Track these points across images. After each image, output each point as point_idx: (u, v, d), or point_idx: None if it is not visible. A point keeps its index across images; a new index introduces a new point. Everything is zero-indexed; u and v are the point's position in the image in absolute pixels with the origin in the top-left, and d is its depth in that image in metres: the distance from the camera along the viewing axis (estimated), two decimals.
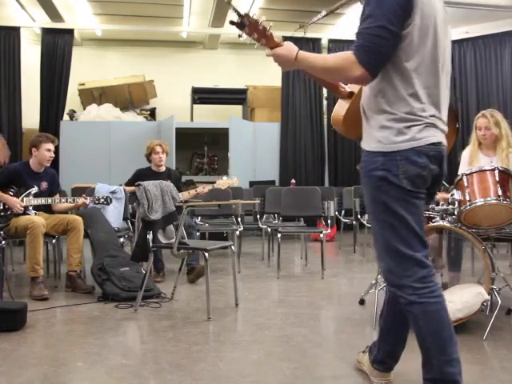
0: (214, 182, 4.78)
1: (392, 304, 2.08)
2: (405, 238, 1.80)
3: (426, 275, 1.81)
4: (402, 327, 2.12)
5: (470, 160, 3.62)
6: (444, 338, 1.80)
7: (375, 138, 1.81)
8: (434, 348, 1.81)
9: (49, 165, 4.26)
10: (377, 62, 1.69)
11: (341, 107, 2.05)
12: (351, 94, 2.02)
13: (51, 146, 4.18)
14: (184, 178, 5.48)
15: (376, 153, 1.80)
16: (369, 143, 1.84)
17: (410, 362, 2.57)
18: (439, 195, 3.62)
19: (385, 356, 2.20)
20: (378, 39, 1.67)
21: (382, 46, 1.68)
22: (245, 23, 1.74)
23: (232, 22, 1.75)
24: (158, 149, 4.85)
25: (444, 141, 1.86)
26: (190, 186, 5.29)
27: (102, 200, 4.31)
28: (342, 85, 2.05)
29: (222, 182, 4.71)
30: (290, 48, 1.81)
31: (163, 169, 4.92)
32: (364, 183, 1.87)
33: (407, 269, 1.80)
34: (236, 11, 1.73)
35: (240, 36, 1.80)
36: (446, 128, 1.88)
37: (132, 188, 4.57)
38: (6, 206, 3.93)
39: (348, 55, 1.69)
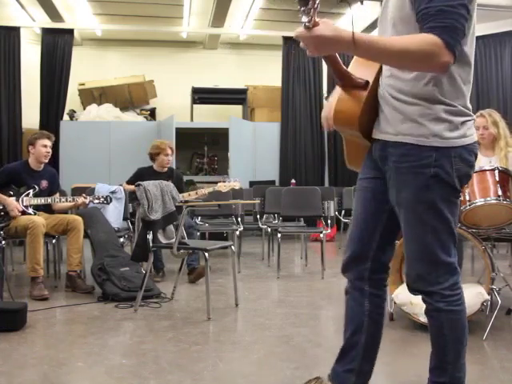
0: (216, 184, 4.78)
1: (376, 314, 1.87)
2: (444, 242, 1.67)
3: (455, 282, 1.71)
4: (379, 340, 1.93)
5: None
6: (463, 345, 1.79)
7: (429, 130, 1.59)
8: (452, 354, 1.77)
9: (46, 161, 4.23)
10: (461, 45, 1.49)
11: (351, 100, 1.68)
12: (367, 83, 1.69)
13: (47, 142, 4.17)
14: (184, 178, 5.47)
15: (428, 148, 1.59)
16: (413, 135, 1.60)
17: (410, 361, 2.58)
18: None
19: (366, 380, 1.91)
20: (463, 20, 1.45)
21: (466, 28, 1.48)
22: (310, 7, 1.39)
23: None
24: (169, 151, 4.80)
25: None
26: (191, 187, 5.29)
27: (102, 199, 4.31)
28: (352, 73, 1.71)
29: (224, 185, 4.70)
30: (331, 26, 1.45)
31: (165, 169, 4.90)
32: (404, 181, 1.64)
33: (440, 275, 1.68)
34: None
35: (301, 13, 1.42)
36: None
37: (131, 187, 4.56)
38: (4, 212, 3.92)
39: (432, 39, 1.42)
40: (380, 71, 1.70)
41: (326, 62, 1.62)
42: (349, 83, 1.67)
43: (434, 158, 1.60)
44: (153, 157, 4.85)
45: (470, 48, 1.59)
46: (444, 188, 1.63)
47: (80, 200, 4.17)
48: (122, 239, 4.68)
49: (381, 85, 1.69)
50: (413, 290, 1.76)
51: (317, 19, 1.42)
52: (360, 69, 1.70)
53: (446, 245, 1.68)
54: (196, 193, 4.68)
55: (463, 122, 1.62)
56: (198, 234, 4.97)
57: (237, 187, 4.84)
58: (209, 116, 9.48)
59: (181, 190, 4.52)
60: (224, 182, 4.78)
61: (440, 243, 1.67)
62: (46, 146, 4.17)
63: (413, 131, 1.60)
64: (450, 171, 1.61)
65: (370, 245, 1.79)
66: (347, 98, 1.68)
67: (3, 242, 3.86)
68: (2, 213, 3.91)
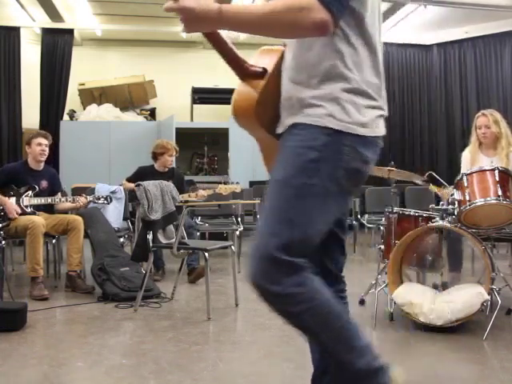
0: (216, 185, 4.77)
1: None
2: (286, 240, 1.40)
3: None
4: None
5: (472, 160, 3.62)
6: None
7: (325, 110, 1.37)
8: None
9: (43, 159, 4.22)
10: (343, 7, 1.27)
11: (249, 89, 1.46)
12: (265, 71, 1.48)
13: (42, 140, 4.17)
14: (185, 178, 5.48)
15: (319, 129, 1.37)
16: (308, 116, 1.39)
17: (411, 361, 2.58)
18: (443, 191, 3.62)
19: None
20: None
21: None
22: None
23: None
24: (174, 152, 4.81)
25: None
26: (191, 187, 5.29)
27: (102, 199, 4.31)
28: (250, 62, 1.51)
29: (224, 188, 4.70)
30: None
31: (167, 169, 4.89)
32: (284, 160, 1.42)
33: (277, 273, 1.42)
34: None
35: None
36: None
37: (131, 185, 4.55)
38: (3, 213, 3.92)
39: None
40: (282, 57, 1.52)
41: (210, 43, 1.42)
42: (244, 72, 1.48)
43: (322, 141, 1.36)
44: (156, 156, 4.82)
45: (371, 29, 1.38)
46: (322, 178, 1.37)
47: (80, 201, 4.17)
48: (122, 239, 4.68)
49: (282, 71, 1.50)
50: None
51: None
52: (262, 57, 1.53)
53: (290, 245, 1.36)
54: (196, 195, 4.67)
55: (367, 108, 1.39)
56: (198, 233, 4.97)
57: (237, 190, 4.82)
58: (209, 116, 9.48)
59: (182, 191, 4.52)
60: (224, 183, 4.77)
61: (283, 239, 1.37)
62: (40, 145, 4.16)
63: (309, 112, 1.39)
64: (334, 160, 1.37)
65: (317, 254, 1.52)
66: (244, 89, 1.48)
67: (3, 242, 3.86)
68: (2, 213, 3.91)
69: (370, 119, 1.40)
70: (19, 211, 3.94)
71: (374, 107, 1.41)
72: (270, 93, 1.47)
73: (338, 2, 1.25)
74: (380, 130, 1.45)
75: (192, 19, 1.29)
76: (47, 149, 4.23)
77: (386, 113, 1.48)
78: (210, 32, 1.38)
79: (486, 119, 3.57)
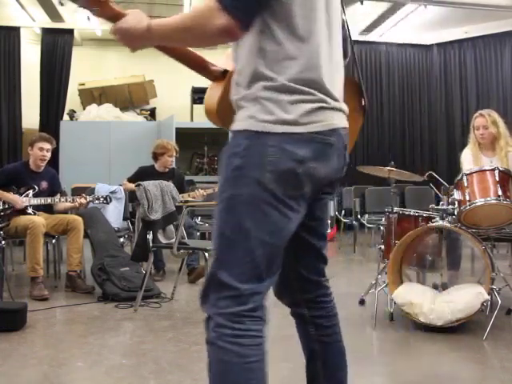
0: (216, 185, 4.77)
1: (325, 337, 1.63)
2: (232, 262, 1.30)
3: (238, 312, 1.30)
4: (340, 363, 1.66)
5: (474, 160, 3.61)
6: None
7: (248, 111, 1.30)
8: None
9: (43, 164, 4.20)
10: (247, 3, 1.21)
11: (213, 91, 1.52)
12: (225, 72, 1.51)
13: (44, 145, 4.14)
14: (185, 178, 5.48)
15: (242, 133, 1.29)
16: (237, 120, 1.34)
17: (411, 362, 2.58)
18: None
19: None
20: None
21: None
22: None
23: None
24: (174, 152, 4.80)
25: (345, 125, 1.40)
26: (191, 187, 5.29)
27: (101, 199, 4.31)
28: (213, 63, 1.56)
29: None
30: (137, 16, 1.31)
31: (167, 169, 4.89)
32: (220, 173, 1.36)
33: (220, 298, 1.30)
34: None
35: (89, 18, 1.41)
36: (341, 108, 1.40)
37: (131, 186, 4.55)
38: (7, 205, 3.93)
39: (206, 4, 1.22)
40: None
41: (164, 53, 1.48)
42: (211, 74, 1.55)
43: (244, 145, 1.27)
44: (156, 156, 4.82)
45: (303, 20, 1.27)
46: (250, 186, 1.26)
47: (80, 201, 4.17)
48: (122, 239, 4.68)
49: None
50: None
51: (119, 9, 1.32)
52: (227, 59, 1.53)
53: (225, 275, 1.27)
54: (194, 197, 4.66)
55: (294, 103, 1.27)
56: (198, 233, 4.97)
57: None
58: None
59: (182, 191, 4.52)
60: None
61: (225, 259, 1.29)
62: (42, 149, 4.13)
63: (238, 116, 1.34)
64: (259, 163, 1.25)
65: (289, 263, 1.47)
66: (210, 90, 1.54)
67: (3, 242, 3.86)
68: (2, 213, 3.92)
69: (299, 115, 1.26)
70: (24, 200, 3.95)
71: (304, 101, 1.27)
72: (229, 93, 1.43)
73: (243, 3, 1.20)
74: (318, 124, 1.29)
75: (128, 39, 1.32)
76: (48, 154, 4.20)
77: (331, 104, 1.32)
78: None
79: (484, 120, 3.56)
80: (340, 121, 1.36)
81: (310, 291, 1.56)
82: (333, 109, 1.34)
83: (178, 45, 1.45)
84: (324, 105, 1.31)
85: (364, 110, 1.64)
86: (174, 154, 4.80)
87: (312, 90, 1.29)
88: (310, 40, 1.29)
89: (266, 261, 1.29)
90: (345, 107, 1.40)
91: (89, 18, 1.46)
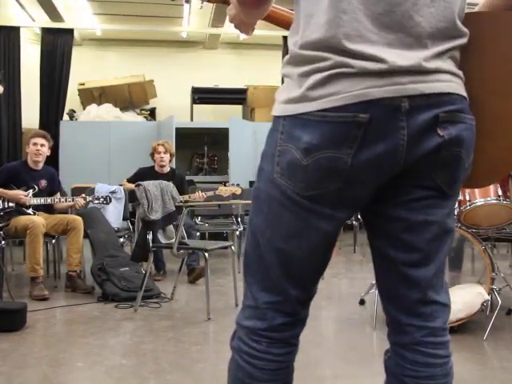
0: (216, 185, 4.78)
1: None
2: (249, 272, 1.20)
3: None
4: None
5: None
6: None
7: (278, 93, 1.11)
8: None
9: (38, 159, 4.19)
10: None
11: None
12: None
13: (37, 140, 4.14)
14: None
15: (273, 123, 1.10)
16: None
17: None
18: None
19: None
20: None
21: None
22: None
23: None
24: (161, 148, 4.83)
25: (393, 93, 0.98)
26: (191, 187, 5.29)
27: (101, 199, 4.31)
28: None
29: (225, 190, 4.70)
30: None
31: (166, 170, 4.90)
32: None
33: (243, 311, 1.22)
34: None
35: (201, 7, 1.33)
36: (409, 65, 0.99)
37: (131, 186, 4.56)
38: (8, 205, 3.92)
39: None
40: None
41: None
42: None
43: (268, 133, 1.11)
44: (152, 158, 4.94)
45: None
46: (265, 181, 1.09)
47: (79, 201, 4.17)
48: (121, 239, 4.68)
49: None
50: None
51: None
52: None
53: (248, 279, 1.17)
54: (194, 198, 4.67)
55: (303, 76, 1.01)
56: (198, 234, 4.97)
57: (238, 193, 4.82)
58: (209, 116, 9.47)
59: (182, 192, 4.52)
60: (224, 184, 4.78)
61: (247, 260, 1.18)
62: (36, 144, 4.13)
63: None
64: (271, 154, 1.07)
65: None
66: None
67: (3, 242, 3.86)
68: (2, 213, 3.91)
69: (307, 88, 1.00)
70: (25, 193, 3.94)
71: (313, 71, 1.00)
72: None
73: None
74: (331, 98, 0.98)
75: (240, 20, 1.24)
76: (43, 149, 4.19)
77: (358, 67, 0.97)
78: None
79: None
80: (383, 89, 0.98)
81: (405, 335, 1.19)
82: (364, 74, 0.98)
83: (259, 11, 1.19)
84: (344, 70, 0.98)
85: None
86: (162, 150, 4.83)
87: (326, 54, 0.99)
88: None
89: (281, 270, 1.10)
90: (418, 65, 0.99)
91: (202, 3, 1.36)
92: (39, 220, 3.85)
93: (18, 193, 3.93)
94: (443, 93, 1.01)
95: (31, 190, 4.07)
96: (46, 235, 4.05)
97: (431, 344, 1.11)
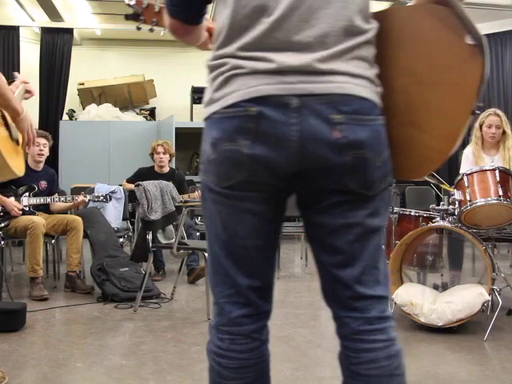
0: None
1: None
2: (210, 269, 1.25)
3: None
4: None
5: (475, 159, 3.59)
6: None
7: None
8: None
9: (41, 160, 4.19)
10: (174, 2, 1.20)
11: None
12: None
13: (40, 140, 4.12)
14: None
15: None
16: None
17: (410, 362, 2.57)
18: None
19: None
20: None
21: None
22: (138, 11, 1.41)
23: (127, 16, 1.42)
24: (160, 149, 4.83)
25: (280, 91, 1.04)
26: (190, 187, 5.28)
27: (101, 198, 4.30)
28: None
29: None
30: None
31: (166, 170, 4.90)
32: None
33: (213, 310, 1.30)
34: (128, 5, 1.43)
35: (139, 28, 1.46)
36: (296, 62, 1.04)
37: (131, 186, 4.56)
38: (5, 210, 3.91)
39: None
40: None
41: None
42: None
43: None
44: (152, 158, 4.95)
45: None
46: (201, 185, 1.20)
47: (79, 199, 4.16)
48: (121, 239, 4.67)
49: None
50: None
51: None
52: None
53: (209, 278, 1.25)
54: (194, 198, 4.66)
55: (211, 81, 1.13)
56: (198, 234, 4.96)
57: None
58: None
59: (182, 192, 4.52)
60: None
61: (208, 269, 1.26)
62: (38, 144, 4.12)
63: None
64: (201, 155, 1.18)
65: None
66: None
67: (3, 242, 3.85)
68: (2, 213, 3.90)
69: (213, 91, 1.12)
70: (20, 207, 3.93)
71: (216, 76, 1.11)
72: None
73: (170, 9, 1.20)
74: (228, 97, 1.08)
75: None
76: (46, 149, 4.20)
77: (249, 67, 1.06)
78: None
79: (498, 119, 3.53)
80: (272, 86, 1.04)
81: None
82: (254, 73, 1.06)
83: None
84: (238, 71, 1.07)
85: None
86: (161, 150, 4.83)
87: (225, 60, 1.09)
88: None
89: (229, 261, 1.17)
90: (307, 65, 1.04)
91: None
92: (39, 220, 3.84)
93: (12, 205, 3.88)
94: (336, 94, 1.05)
95: (30, 191, 4.05)
96: (46, 235, 4.03)
97: (368, 332, 1.15)
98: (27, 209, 4.01)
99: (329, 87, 1.05)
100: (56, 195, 4.29)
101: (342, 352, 1.20)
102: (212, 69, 1.13)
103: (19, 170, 2.09)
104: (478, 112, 1.11)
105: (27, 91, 2.27)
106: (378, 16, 1.16)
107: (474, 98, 1.09)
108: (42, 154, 4.18)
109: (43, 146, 4.17)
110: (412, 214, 3.41)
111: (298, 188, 1.14)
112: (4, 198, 3.92)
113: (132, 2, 1.42)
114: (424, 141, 1.16)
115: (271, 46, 1.05)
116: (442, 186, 3.71)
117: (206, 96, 1.14)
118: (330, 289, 1.23)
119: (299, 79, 1.04)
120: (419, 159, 1.19)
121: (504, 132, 3.54)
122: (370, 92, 1.09)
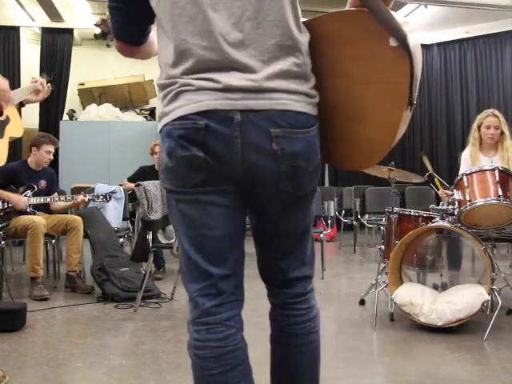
0: None
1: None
2: (183, 262, 1.34)
3: (194, 317, 1.36)
4: None
5: (472, 161, 3.59)
6: None
7: None
8: None
9: (46, 166, 4.25)
10: (118, 25, 1.39)
11: None
12: None
13: (52, 148, 4.17)
14: None
15: None
16: None
17: (411, 362, 2.57)
18: (441, 191, 3.61)
19: None
20: (112, 11, 1.39)
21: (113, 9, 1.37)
22: (105, 30, 1.60)
23: (96, 36, 1.64)
24: (157, 149, 4.87)
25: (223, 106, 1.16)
26: None
27: (101, 197, 4.30)
28: None
29: None
30: None
31: None
32: None
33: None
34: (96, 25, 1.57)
35: (109, 46, 1.63)
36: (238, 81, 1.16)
37: (131, 185, 4.58)
38: (8, 205, 3.92)
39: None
40: None
41: None
42: None
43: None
44: (153, 156, 5.02)
45: (161, 13, 1.26)
46: (166, 190, 1.33)
47: (79, 198, 4.17)
48: (121, 239, 4.68)
49: None
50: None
51: None
52: None
53: (182, 278, 1.36)
54: None
55: (162, 97, 1.27)
56: None
57: None
58: None
59: None
60: None
61: (182, 267, 1.34)
62: (49, 153, 4.16)
63: None
64: (161, 165, 1.30)
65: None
66: None
67: (3, 242, 3.85)
68: (2, 213, 3.91)
69: (164, 105, 1.25)
70: (26, 201, 3.94)
71: (167, 93, 1.24)
72: None
73: (114, 32, 1.40)
74: (178, 110, 1.20)
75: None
76: (52, 157, 4.25)
77: (197, 85, 1.18)
78: None
79: (497, 120, 3.53)
80: (217, 102, 1.16)
81: (277, 286, 1.46)
82: (202, 90, 1.17)
83: None
84: (187, 88, 1.19)
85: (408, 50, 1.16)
86: (158, 150, 4.86)
87: (175, 80, 1.23)
88: (169, 31, 1.25)
89: (199, 254, 1.25)
90: (241, 84, 1.16)
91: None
92: (40, 220, 3.85)
93: (17, 199, 3.90)
94: (274, 110, 1.17)
95: (30, 190, 4.06)
96: (46, 235, 4.04)
97: (293, 303, 1.41)
98: (28, 209, 4.01)
99: (268, 103, 1.16)
100: (56, 194, 4.30)
101: (273, 313, 1.44)
102: (163, 87, 1.26)
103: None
104: (414, 103, 1.19)
105: (37, 91, 2.26)
106: (308, 26, 1.26)
107: (407, 94, 1.17)
108: (49, 162, 4.22)
109: (52, 154, 4.20)
110: (412, 214, 3.41)
111: (247, 193, 1.25)
112: (9, 194, 3.93)
113: (98, 23, 1.58)
114: (367, 135, 1.26)
115: (215, 67, 1.17)
116: (436, 180, 3.72)
117: (159, 111, 1.28)
118: (267, 273, 1.44)
119: (242, 96, 1.16)
120: (364, 151, 1.30)
121: (502, 133, 3.54)
122: (305, 105, 1.21)
